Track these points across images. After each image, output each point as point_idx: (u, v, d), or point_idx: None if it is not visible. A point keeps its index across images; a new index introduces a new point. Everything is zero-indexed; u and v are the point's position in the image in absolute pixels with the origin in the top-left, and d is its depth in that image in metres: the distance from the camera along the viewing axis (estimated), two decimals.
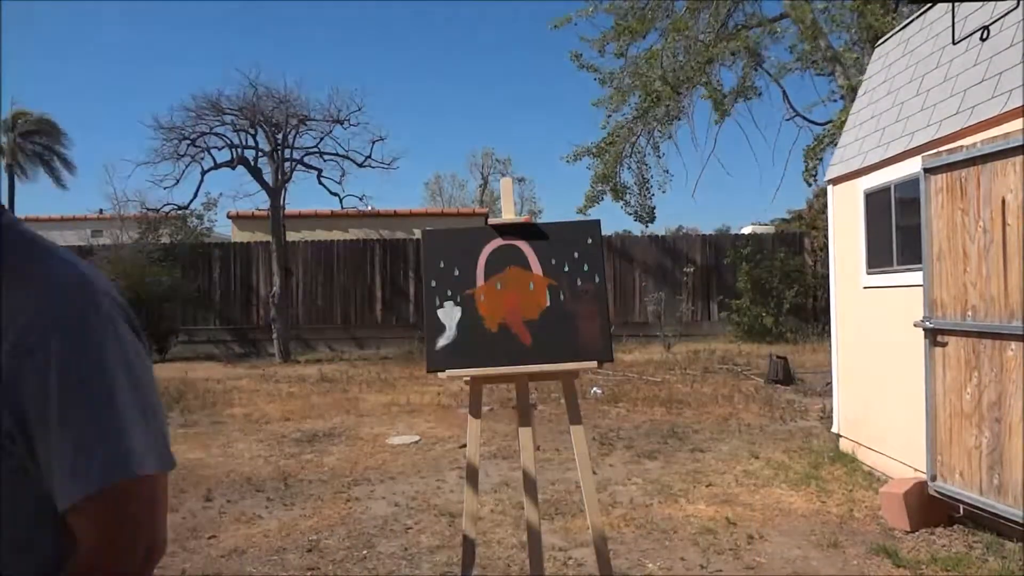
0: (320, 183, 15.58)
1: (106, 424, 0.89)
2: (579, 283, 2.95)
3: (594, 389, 9.46)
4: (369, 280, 16.24)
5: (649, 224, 14.91)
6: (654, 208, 14.57)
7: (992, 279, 3.94)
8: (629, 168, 14.27)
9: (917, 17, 5.57)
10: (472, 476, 2.88)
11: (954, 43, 4.68)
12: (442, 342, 2.93)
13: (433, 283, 2.98)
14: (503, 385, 6.55)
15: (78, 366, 0.88)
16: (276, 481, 5.72)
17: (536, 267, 2.97)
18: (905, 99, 5.30)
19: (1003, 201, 3.85)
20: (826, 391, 7.97)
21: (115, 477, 0.88)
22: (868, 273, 5.70)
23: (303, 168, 15.28)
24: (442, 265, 2.99)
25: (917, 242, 4.63)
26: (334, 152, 15.39)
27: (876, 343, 5.58)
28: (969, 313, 4.11)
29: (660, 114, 12.95)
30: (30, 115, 32.64)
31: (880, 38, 6.56)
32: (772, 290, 15.22)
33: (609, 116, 13.56)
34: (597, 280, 2.96)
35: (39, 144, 33.34)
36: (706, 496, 5.11)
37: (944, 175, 4.31)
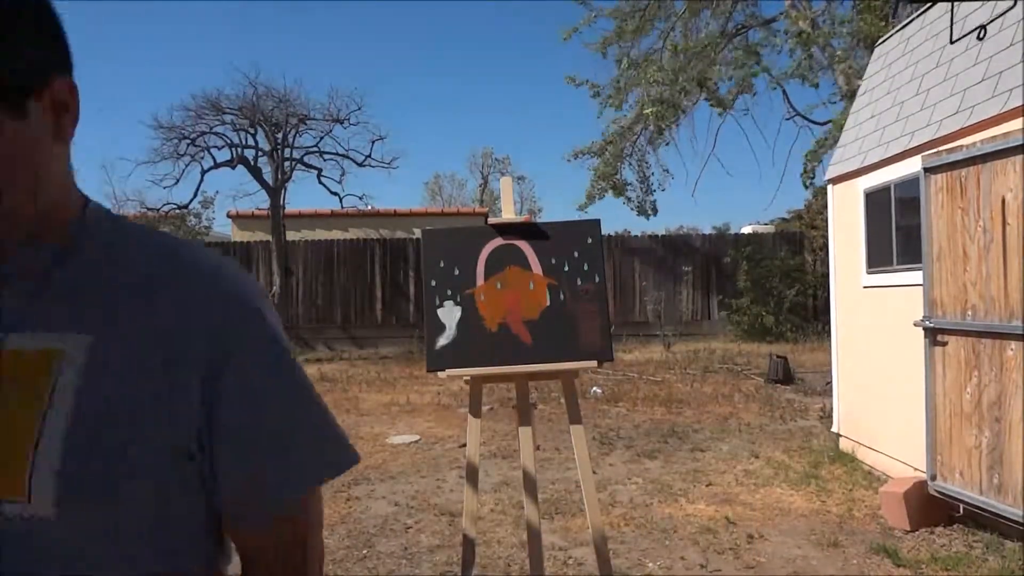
0: (320, 183, 15.61)
1: (315, 425, 0.91)
2: (579, 282, 2.95)
3: (594, 389, 9.46)
4: (369, 280, 16.24)
5: (651, 217, 14.97)
6: (655, 202, 14.60)
7: (992, 279, 3.94)
8: (630, 166, 14.30)
9: (917, 17, 5.57)
10: (472, 475, 2.88)
11: (952, 42, 4.68)
12: (442, 342, 2.93)
13: (433, 283, 2.98)
14: (503, 385, 6.55)
15: (275, 367, 0.86)
16: None
17: (536, 267, 2.97)
18: (905, 99, 5.30)
19: (1003, 201, 3.85)
20: (826, 390, 7.97)
21: (321, 478, 0.88)
22: (868, 272, 5.70)
23: (303, 167, 15.29)
24: (442, 265, 2.99)
25: (917, 242, 4.63)
26: (334, 152, 15.42)
27: (876, 343, 5.58)
28: (969, 313, 4.12)
29: (659, 118, 12.98)
30: None
31: (875, 43, 6.57)
32: (772, 289, 15.22)
33: (601, 112, 13.60)
34: (597, 279, 2.96)
35: None
36: (706, 495, 5.11)
37: (944, 175, 4.31)
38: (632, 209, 14.61)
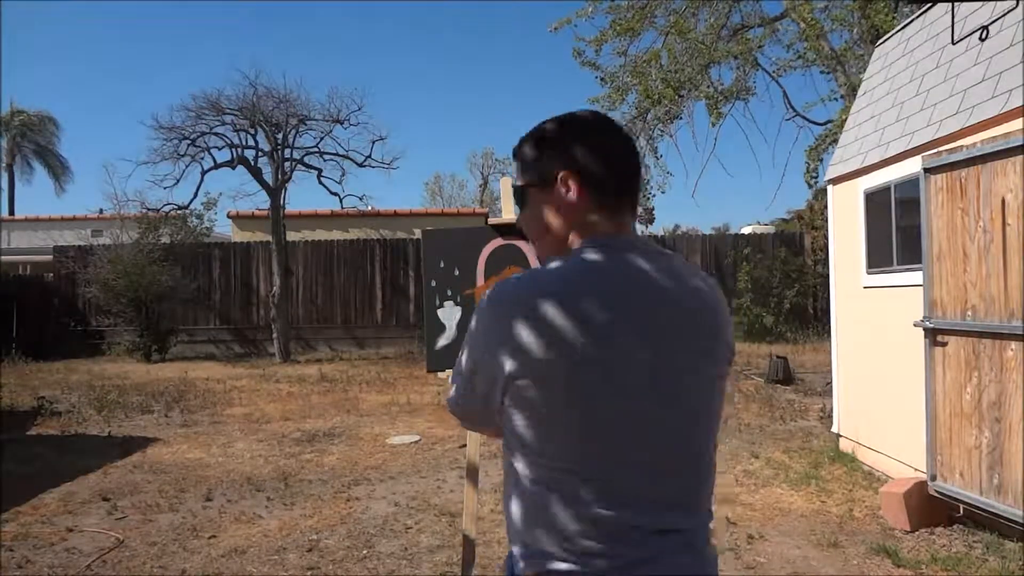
0: (320, 183, 15.59)
1: None
2: None
3: None
4: (369, 280, 16.23)
5: (648, 226, 14.96)
6: (652, 209, 14.59)
7: (992, 279, 3.94)
8: None
9: (917, 17, 5.57)
10: (472, 475, 2.88)
11: (953, 43, 4.68)
12: (442, 342, 2.93)
13: (433, 283, 2.98)
14: None
15: None
16: (276, 481, 5.72)
17: (536, 267, 2.97)
18: (905, 99, 5.30)
19: (1003, 201, 3.85)
20: (826, 391, 7.97)
21: None
22: (868, 273, 5.70)
23: (303, 168, 15.28)
24: (442, 265, 2.99)
25: (917, 242, 4.63)
26: (334, 152, 15.40)
27: (876, 343, 5.58)
28: (969, 313, 4.11)
29: (661, 113, 12.95)
30: (27, 115, 32.67)
31: (882, 36, 6.56)
32: (772, 290, 15.21)
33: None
34: None
35: (36, 144, 33.37)
36: None
37: (944, 175, 4.31)
38: None
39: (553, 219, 1.24)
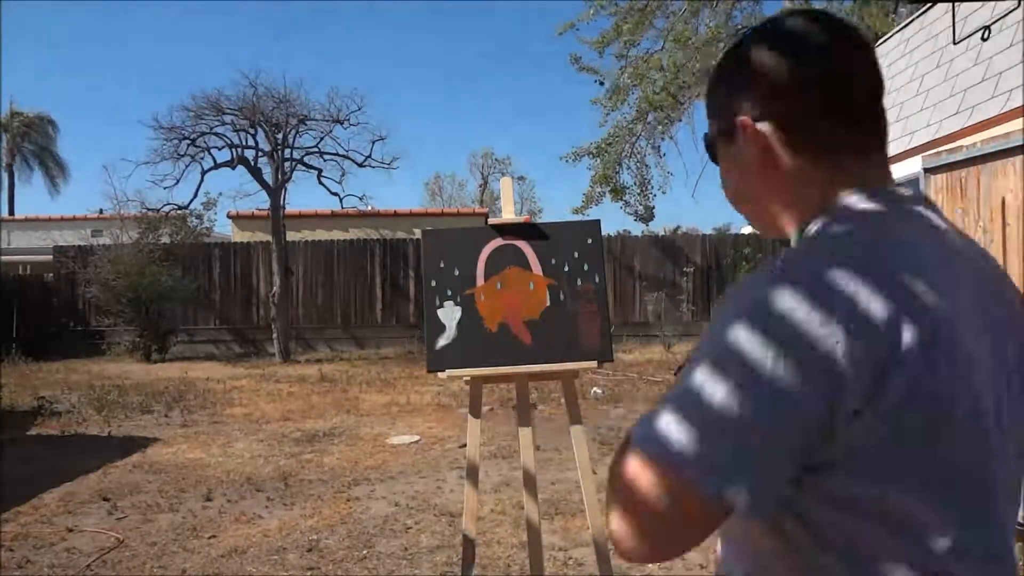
0: (320, 183, 15.59)
1: None
2: (579, 283, 2.95)
3: (594, 389, 9.46)
4: (369, 280, 16.23)
5: (648, 223, 14.96)
6: (653, 208, 14.58)
7: None
8: (629, 169, 14.27)
9: (916, 17, 5.57)
10: (472, 476, 2.88)
11: (955, 43, 4.68)
12: (442, 342, 2.93)
13: (433, 283, 2.98)
14: (503, 385, 6.54)
15: None
16: (276, 481, 5.72)
17: (536, 267, 2.97)
18: (905, 99, 5.30)
19: (1003, 201, 3.85)
20: None
21: None
22: None
23: (303, 168, 15.28)
24: (442, 265, 2.99)
25: None
26: (334, 152, 15.40)
27: None
28: None
29: (661, 117, 12.95)
30: (25, 116, 32.70)
31: (879, 39, 6.56)
32: None
33: (608, 115, 13.56)
34: (597, 280, 2.96)
35: (35, 144, 33.40)
36: None
37: (944, 175, 4.31)
38: (629, 214, 14.62)
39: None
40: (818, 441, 0.72)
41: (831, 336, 0.70)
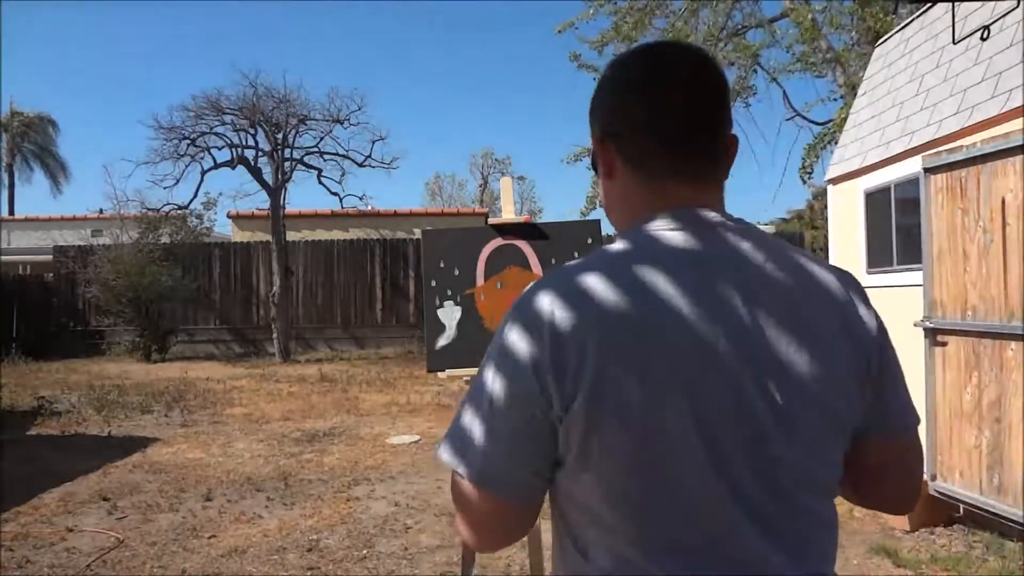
0: (320, 183, 15.60)
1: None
2: None
3: None
4: (369, 280, 16.23)
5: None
6: None
7: (992, 279, 3.94)
8: None
9: (917, 17, 5.57)
10: None
11: (955, 43, 4.68)
12: (442, 342, 2.93)
13: (433, 283, 2.97)
14: None
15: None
16: (276, 481, 5.73)
17: (536, 267, 2.97)
18: (905, 99, 5.30)
19: (1003, 201, 3.84)
20: None
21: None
22: (868, 273, 5.69)
23: (303, 168, 15.29)
24: (442, 265, 2.99)
25: (917, 242, 4.63)
26: (334, 152, 15.41)
27: None
28: (969, 313, 4.11)
29: None
30: (25, 116, 32.71)
31: (880, 38, 6.56)
32: None
33: None
34: None
35: (35, 144, 33.42)
36: None
37: (944, 175, 4.31)
38: None
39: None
40: (549, 441, 0.84)
41: (529, 351, 0.83)
